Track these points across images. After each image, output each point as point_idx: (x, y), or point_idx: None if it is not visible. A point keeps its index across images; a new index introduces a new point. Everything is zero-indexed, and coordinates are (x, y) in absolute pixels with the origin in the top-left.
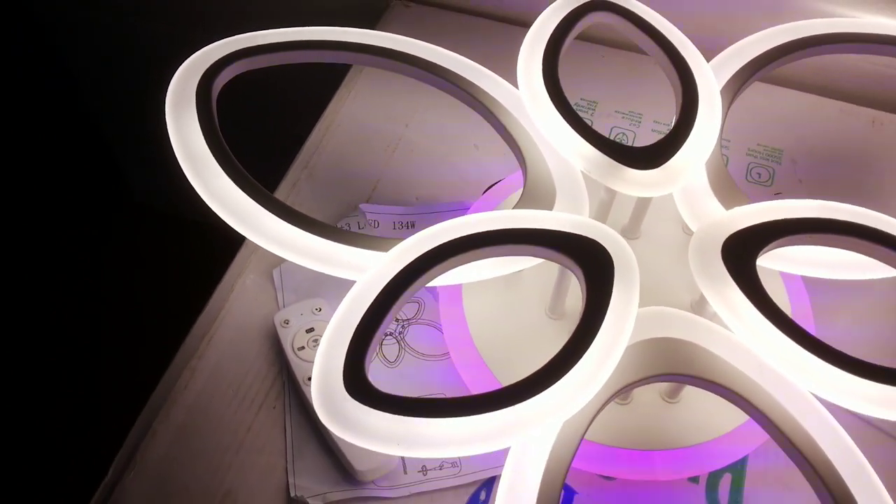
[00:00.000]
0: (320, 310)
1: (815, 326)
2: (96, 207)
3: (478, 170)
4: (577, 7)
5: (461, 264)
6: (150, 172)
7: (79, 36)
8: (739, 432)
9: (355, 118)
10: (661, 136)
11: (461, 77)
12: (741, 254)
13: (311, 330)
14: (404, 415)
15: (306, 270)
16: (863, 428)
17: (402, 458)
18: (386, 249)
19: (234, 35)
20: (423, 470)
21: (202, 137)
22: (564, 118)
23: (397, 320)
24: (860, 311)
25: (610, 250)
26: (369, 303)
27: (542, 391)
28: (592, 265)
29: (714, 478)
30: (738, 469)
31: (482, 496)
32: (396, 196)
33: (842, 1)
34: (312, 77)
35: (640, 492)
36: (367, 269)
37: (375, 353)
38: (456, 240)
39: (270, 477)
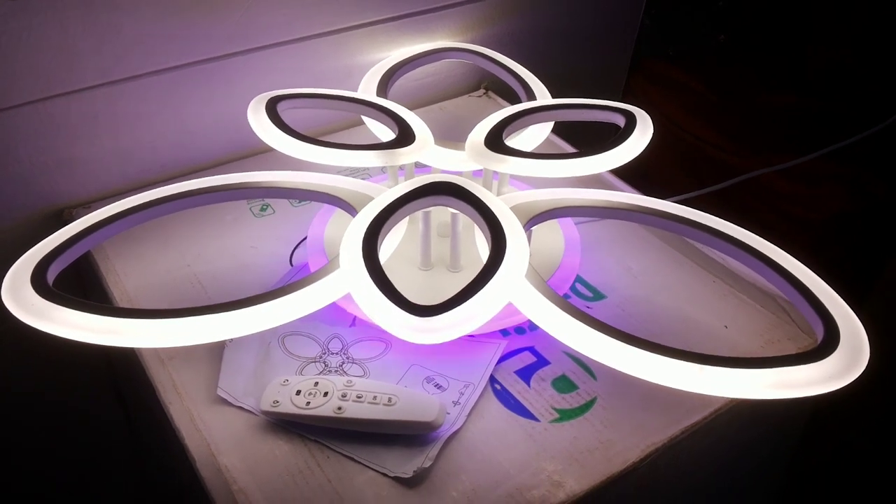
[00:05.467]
0: (287, 381)
1: None
2: None
3: (269, 257)
4: (268, 101)
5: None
6: None
7: None
8: (569, 243)
9: (146, 289)
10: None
11: (225, 185)
12: (496, 147)
13: (298, 392)
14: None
15: (241, 371)
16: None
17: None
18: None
19: None
20: (455, 403)
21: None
22: (338, 147)
23: (334, 353)
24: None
25: (454, 181)
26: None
27: (503, 260)
28: (460, 194)
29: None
30: (578, 278)
31: (497, 387)
32: None
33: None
34: None
35: None
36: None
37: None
38: (382, 210)
39: (380, 486)
